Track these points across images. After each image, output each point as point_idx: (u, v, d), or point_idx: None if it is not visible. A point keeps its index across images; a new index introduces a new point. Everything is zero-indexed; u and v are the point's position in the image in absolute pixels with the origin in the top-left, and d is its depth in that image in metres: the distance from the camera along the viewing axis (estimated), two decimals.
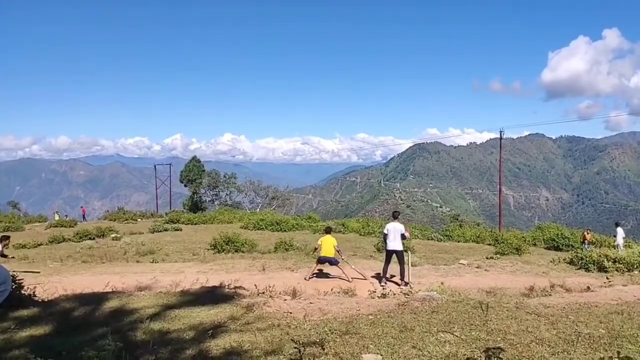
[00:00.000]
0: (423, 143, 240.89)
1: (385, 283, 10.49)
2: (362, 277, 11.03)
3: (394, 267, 10.92)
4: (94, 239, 23.34)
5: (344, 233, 26.49)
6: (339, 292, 8.02)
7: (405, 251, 15.30)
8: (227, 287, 7.60)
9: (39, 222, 36.97)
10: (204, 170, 57.99)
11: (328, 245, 11.35)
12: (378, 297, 7.77)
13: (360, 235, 25.50)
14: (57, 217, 39.43)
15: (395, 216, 11.06)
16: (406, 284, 10.20)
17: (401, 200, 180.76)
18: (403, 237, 10.66)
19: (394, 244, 10.55)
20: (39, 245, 20.68)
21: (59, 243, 21.70)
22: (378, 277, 11.12)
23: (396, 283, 10.55)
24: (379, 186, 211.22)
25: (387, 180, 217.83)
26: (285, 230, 27.75)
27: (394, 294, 7.81)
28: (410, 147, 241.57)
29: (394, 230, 10.58)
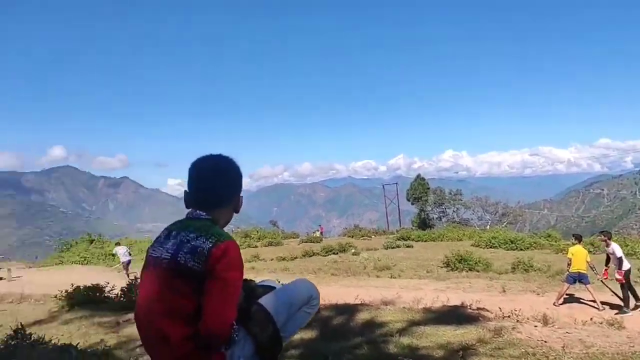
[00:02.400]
0: None
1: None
2: (625, 306, 9.32)
3: None
4: (337, 253, 25.73)
5: (594, 253, 22.99)
6: (601, 323, 7.02)
7: None
8: (469, 307, 7.46)
9: (293, 238, 42.57)
10: (428, 188, 58.24)
11: (580, 258, 9.75)
12: None
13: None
14: (318, 234, 42.93)
15: (578, 240, 9.51)
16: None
17: None
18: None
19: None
20: (295, 258, 23.91)
21: (310, 257, 24.65)
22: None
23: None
24: (633, 198, 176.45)
25: None
26: (521, 249, 25.60)
27: None
28: None
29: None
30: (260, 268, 20.17)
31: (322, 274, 17.25)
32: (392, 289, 11.48)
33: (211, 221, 1.92)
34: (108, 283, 8.82)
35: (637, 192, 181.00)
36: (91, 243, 31.64)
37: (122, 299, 8.08)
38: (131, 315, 7.10)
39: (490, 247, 26.80)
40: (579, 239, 10.56)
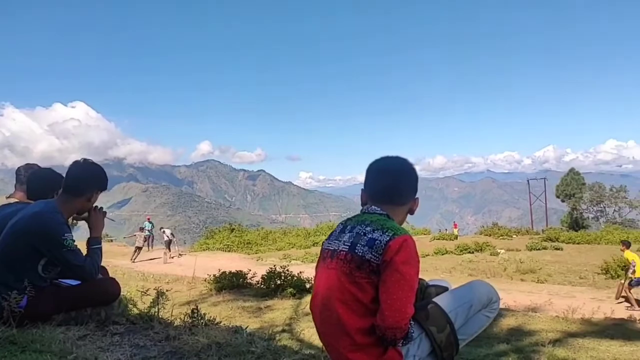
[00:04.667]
0: None
1: None
2: None
3: None
4: (472, 252, 24.52)
5: None
6: None
7: None
8: (639, 321, 6.48)
9: (424, 234, 41.71)
10: (584, 184, 52.20)
11: None
12: None
13: None
14: (455, 231, 41.90)
15: None
16: None
17: None
18: None
19: None
20: (426, 255, 23.31)
21: (442, 255, 23.87)
22: None
23: None
24: None
25: None
26: None
27: None
28: None
29: None
30: None
31: (456, 273, 16.54)
32: (540, 295, 10.51)
33: (387, 216, 1.96)
34: (250, 270, 9.41)
35: None
36: (232, 232, 34.07)
37: (262, 285, 8.58)
38: (271, 302, 7.56)
39: None
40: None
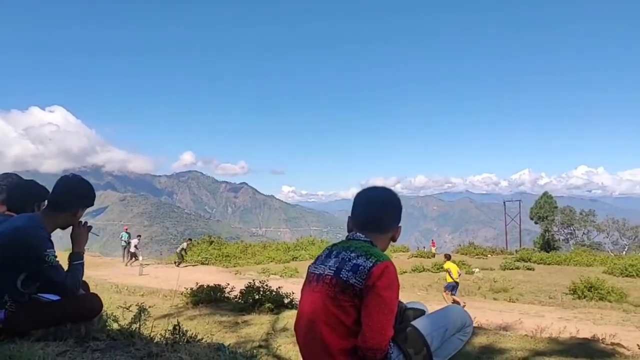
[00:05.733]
0: None
1: None
2: None
3: None
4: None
5: None
6: None
7: None
8: (602, 341, 6.73)
9: (402, 251, 41.97)
10: (556, 207, 53.52)
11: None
12: None
13: None
14: (433, 250, 41.69)
15: None
16: None
17: None
18: None
19: None
20: (404, 272, 23.51)
21: (420, 272, 24.09)
22: None
23: None
24: None
25: None
26: None
27: None
28: None
29: None
30: None
31: (433, 291, 16.75)
32: (511, 314, 10.76)
33: (371, 243, 2.11)
34: (228, 284, 9.34)
35: None
36: (210, 244, 33.72)
37: (240, 300, 8.51)
38: (248, 317, 7.55)
39: (627, 276, 23.88)
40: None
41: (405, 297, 14.20)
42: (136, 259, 23.60)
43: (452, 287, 13.23)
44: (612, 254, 40.89)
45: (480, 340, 6.43)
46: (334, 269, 2.00)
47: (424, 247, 49.22)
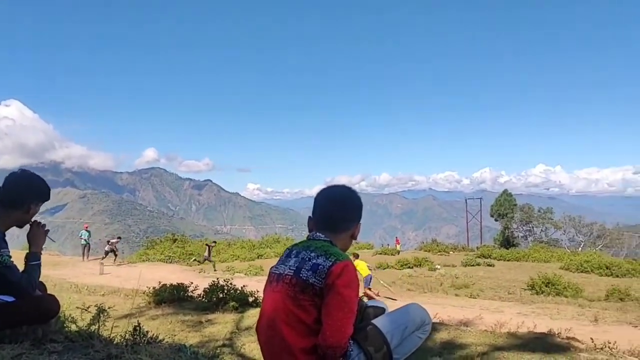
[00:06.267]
0: None
1: None
2: None
3: None
4: (412, 267, 25.29)
5: None
6: None
7: None
8: (558, 335, 6.99)
9: (367, 249, 42.40)
10: (515, 205, 55.32)
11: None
12: None
13: None
14: (398, 247, 41.64)
15: None
16: None
17: None
18: None
19: None
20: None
21: (384, 269, 24.45)
22: None
23: None
24: None
25: None
26: (617, 276, 23.57)
27: None
28: None
29: None
30: None
31: (396, 288, 17.01)
32: (472, 310, 11.05)
33: (330, 242, 2.12)
34: (192, 282, 9.18)
35: None
36: (174, 242, 33.14)
37: (204, 299, 8.38)
38: (212, 316, 7.44)
39: (582, 272, 24.95)
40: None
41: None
42: (115, 257, 23.69)
43: (367, 282, 14.35)
44: (568, 251, 42.60)
45: (442, 335, 6.56)
46: (294, 268, 2.02)
47: (388, 245, 49.79)
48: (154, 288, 8.85)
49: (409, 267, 25.26)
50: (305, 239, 2.24)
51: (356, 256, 15.82)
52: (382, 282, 15.85)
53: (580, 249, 46.98)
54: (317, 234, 2.17)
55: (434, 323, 7.52)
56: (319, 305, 1.92)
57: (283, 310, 1.97)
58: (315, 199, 2.27)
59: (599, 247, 48.31)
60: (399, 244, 45.89)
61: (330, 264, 1.94)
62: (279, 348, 1.98)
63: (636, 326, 10.33)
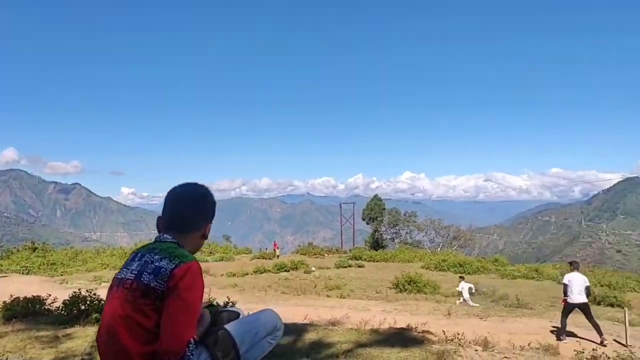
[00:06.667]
0: (636, 177, 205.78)
1: (565, 338, 9.13)
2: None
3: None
4: (288, 271, 25.63)
5: (538, 280, 24.01)
6: (537, 348, 7.31)
7: (618, 305, 13.17)
8: (415, 330, 7.59)
9: (246, 253, 42.03)
10: (384, 209, 59.26)
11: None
12: (587, 359, 6.86)
13: (558, 283, 22.67)
14: (277, 252, 40.65)
15: (575, 267, 9.73)
16: (602, 341, 8.74)
17: (609, 244, 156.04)
18: (588, 290, 9.35)
19: (581, 297, 9.24)
20: (246, 274, 23.58)
21: (261, 273, 24.41)
22: (558, 330, 9.69)
23: (599, 343, 8.92)
24: (579, 227, 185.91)
25: (590, 220, 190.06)
26: (469, 273, 26.44)
27: (608, 358, 6.79)
28: (619, 182, 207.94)
29: (578, 282, 9.32)
30: (208, 284, 19.72)
31: (272, 291, 17.09)
32: (341, 309, 11.51)
33: (177, 244, 2.03)
34: (50, 295, 8.35)
35: (583, 221, 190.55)
36: (33, 251, 29.95)
37: (63, 312, 7.66)
38: (72, 330, 6.77)
39: (440, 270, 27.51)
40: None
41: (245, 298, 14.12)
42: None
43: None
44: (429, 251, 46.73)
45: (311, 336, 6.74)
46: (135, 272, 1.92)
47: (266, 249, 49.97)
48: (4, 302, 7.89)
49: (285, 271, 25.55)
50: (152, 241, 2.13)
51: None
52: None
53: (439, 249, 51.76)
54: (164, 235, 2.07)
55: (304, 324, 7.70)
56: (160, 309, 1.83)
57: (121, 316, 1.86)
58: (166, 197, 2.16)
59: (455, 247, 53.72)
60: (277, 248, 46.31)
61: (173, 266, 1.86)
62: (118, 356, 1.85)
63: (482, 318, 11.67)
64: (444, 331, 7.53)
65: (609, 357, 6.85)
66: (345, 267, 28.51)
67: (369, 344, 6.38)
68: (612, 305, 14.36)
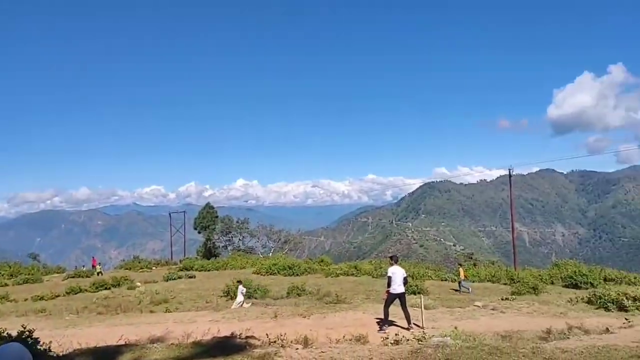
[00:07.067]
0: (433, 182, 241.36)
1: (387, 327, 10.25)
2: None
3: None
4: (109, 288, 23.48)
5: (356, 276, 26.26)
6: (351, 340, 7.99)
7: (418, 293, 15.14)
8: (238, 337, 7.63)
9: (58, 273, 37.32)
10: (217, 217, 58.40)
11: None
12: (391, 343, 7.72)
13: (373, 277, 25.18)
14: (98, 268, 37.91)
15: (395, 260, 10.83)
16: (408, 328, 9.98)
17: (414, 239, 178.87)
18: (405, 280, 10.59)
19: (401, 287, 10.36)
20: (57, 296, 20.86)
21: (76, 294, 21.89)
22: (381, 321, 10.81)
23: (406, 328, 10.15)
24: (390, 226, 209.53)
25: (399, 220, 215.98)
26: (297, 275, 27.64)
27: (407, 340, 7.75)
28: (420, 186, 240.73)
29: (399, 274, 10.37)
30: (6, 311, 16.90)
31: (87, 313, 15.42)
32: (165, 324, 10.97)
33: None
34: None
35: (394, 221, 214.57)
36: None
37: None
38: None
39: (271, 274, 28.13)
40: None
41: (53, 324, 12.42)
42: None
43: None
44: (261, 256, 47.46)
45: (125, 357, 6.28)
46: None
47: (84, 266, 45.34)
48: None
49: (105, 289, 23.35)
50: None
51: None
52: None
53: (271, 253, 52.95)
54: None
55: (118, 346, 7.13)
56: None
57: None
58: None
59: (286, 251, 55.57)
60: (95, 264, 42.32)
61: None
62: None
63: (305, 316, 12.28)
64: (267, 334, 7.74)
65: (408, 339, 7.83)
66: (174, 279, 27.26)
67: (189, 357, 6.22)
68: (414, 293, 16.40)
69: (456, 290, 19.82)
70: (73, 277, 31.35)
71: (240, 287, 16.59)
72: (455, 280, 21.66)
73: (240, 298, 16.09)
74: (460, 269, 20.78)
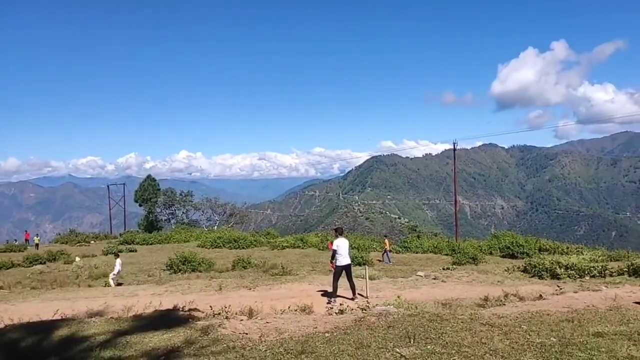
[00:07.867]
0: (380, 155, 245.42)
1: (336, 300, 10.23)
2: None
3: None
4: (44, 263, 22.42)
5: (302, 248, 26.54)
6: (296, 310, 8.06)
7: (364, 264, 15.51)
8: (181, 309, 7.49)
9: None
10: (159, 189, 56.74)
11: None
12: (335, 313, 7.86)
13: (319, 249, 25.54)
14: (37, 239, 37.61)
15: (340, 232, 10.73)
16: (353, 298, 10.20)
17: (360, 212, 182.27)
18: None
19: (347, 259, 10.45)
20: None
21: (7, 269, 20.75)
22: (327, 293, 10.87)
23: (351, 298, 10.38)
24: (337, 199, 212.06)
25: (346, 193, 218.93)
26: (243, 248, 27.53)
27: (352, 310, 7.92)
28: (367, 160, 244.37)
29: (345, 246, 10.42)
30: None
31: (20, 288, 14.64)
32: (105, 299, 10.60)
33: None
34: None
35: (340, 194, 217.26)
36: None
37: None
38: None
39: (216, 247, 27.86)
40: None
41: None
42: None
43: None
44: (206, 230, 46.74)
45: (62, 332, 6.02)
46: None
47: (16, 240, 43.14)
48: None
49: (40, 263, 22.28)
50: None
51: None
52: None
53: (216, 227, 52.29)
54: None
55: (53, 321, 6.81)
56: None
57: None
58: None
59: (232, 224, 55.08)
60: (28, 238, 40.48)
61: None
62: None
63: (250, 288, 12.27)
64: (211, 306, 7.65)
65: (352, 309, 8.01)
66: (113, 253, 26.34)
67: (129, 331, 6.04)
68: (360, 264, 16.81)
69: (380, 261, 20.55)
70: (4, 251, 29.61)
71: (118, 260, 15.99)
72: (380, 251, 22.41)
73: (118, 268, 15.61)
74: (386, 240, 21.55)
